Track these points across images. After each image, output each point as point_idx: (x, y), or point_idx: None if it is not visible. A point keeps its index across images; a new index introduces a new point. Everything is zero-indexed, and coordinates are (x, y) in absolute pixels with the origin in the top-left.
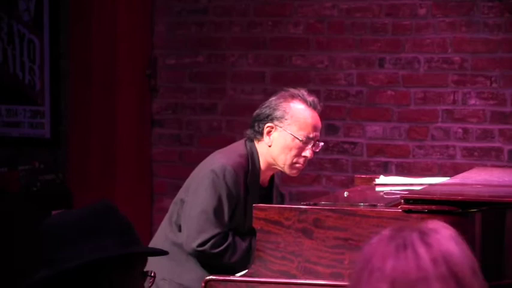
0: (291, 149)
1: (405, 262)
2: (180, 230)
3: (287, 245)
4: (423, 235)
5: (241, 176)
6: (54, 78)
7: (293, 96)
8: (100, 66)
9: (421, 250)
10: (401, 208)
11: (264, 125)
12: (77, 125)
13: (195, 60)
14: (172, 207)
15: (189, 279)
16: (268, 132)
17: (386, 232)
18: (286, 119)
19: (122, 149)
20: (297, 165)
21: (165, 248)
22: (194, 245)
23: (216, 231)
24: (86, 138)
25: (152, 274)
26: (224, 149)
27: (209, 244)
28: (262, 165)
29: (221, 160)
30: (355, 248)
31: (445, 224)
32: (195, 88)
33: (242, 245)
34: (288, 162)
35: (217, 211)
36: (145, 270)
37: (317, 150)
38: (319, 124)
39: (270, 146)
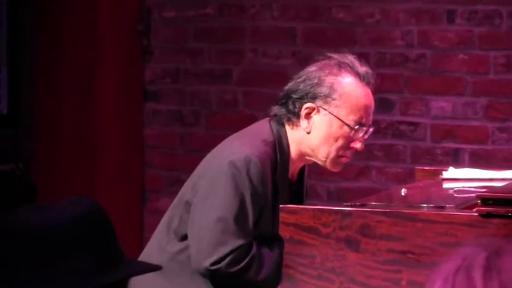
0: (337, 139)
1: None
2: (180, 240)
3: (325, 260)
4: (494, 256)
5: (268, 170)
6: (12, 34)
7: (340, 67)
8: (76, 19)
9: (477, 275)
10: (477, 211)
11: (303, 105)
12: (45, 97)
13: (202, 12)
14: (172, 211)
15: None
16: (308, 115)
17: (462, 247)
18: (333, 99)
19: (105, 130)
20: (343, 158)
21: (160, 264)
22: (207, 263)
23: (238, 243)
24: (57, 115)
25: None
26: (243, 132)
27: (226, 261)
28: (293, 154)
29: (242, 149)
30: (415, 264)
31: None
32: (202, 49)
33: (271, 256)
34: (332, 155)
35: (240, 217)
36: None
37: (366, 137)
38: (373, 105)
39: (308, 133)
